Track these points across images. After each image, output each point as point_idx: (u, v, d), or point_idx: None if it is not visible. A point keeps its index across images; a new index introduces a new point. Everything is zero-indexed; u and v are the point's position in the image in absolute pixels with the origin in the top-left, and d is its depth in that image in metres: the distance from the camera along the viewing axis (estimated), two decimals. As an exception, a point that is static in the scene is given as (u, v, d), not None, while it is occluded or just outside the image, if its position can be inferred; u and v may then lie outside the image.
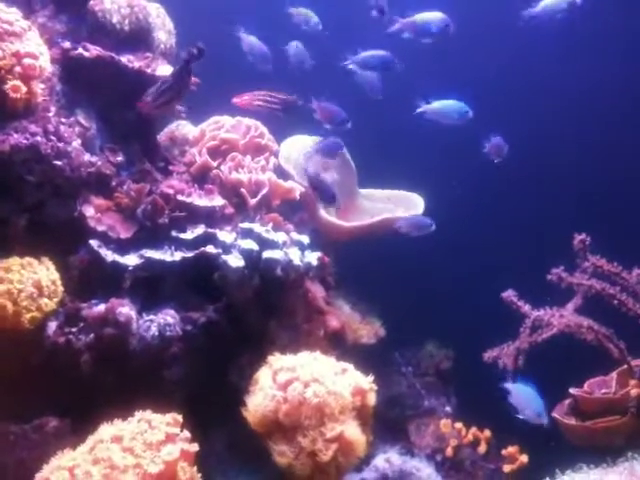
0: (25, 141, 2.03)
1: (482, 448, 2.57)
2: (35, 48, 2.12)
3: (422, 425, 2.73)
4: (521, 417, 2.12)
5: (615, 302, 2.00)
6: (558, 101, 3.40)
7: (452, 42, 2.67)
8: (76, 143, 2.18)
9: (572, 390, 2.20)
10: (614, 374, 2.17)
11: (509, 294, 2.14)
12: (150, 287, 2.22)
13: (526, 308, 2.08)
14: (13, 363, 2.06)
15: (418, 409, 2.84)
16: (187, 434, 1.74)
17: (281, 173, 2.65)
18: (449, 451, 2.56)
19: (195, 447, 1.73)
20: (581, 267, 2.07)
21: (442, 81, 2.82)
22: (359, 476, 1.96)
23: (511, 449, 2.52)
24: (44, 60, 2.12)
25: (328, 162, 2.83)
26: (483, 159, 2.75)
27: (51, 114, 2.14)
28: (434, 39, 2.60)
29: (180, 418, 1.78)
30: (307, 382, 1.92)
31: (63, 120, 2.20)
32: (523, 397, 2.14)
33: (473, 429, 2.60)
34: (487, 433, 2.59)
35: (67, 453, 1.69)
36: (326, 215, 2.66)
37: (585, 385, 2.20)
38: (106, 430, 1.72)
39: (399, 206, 2.89)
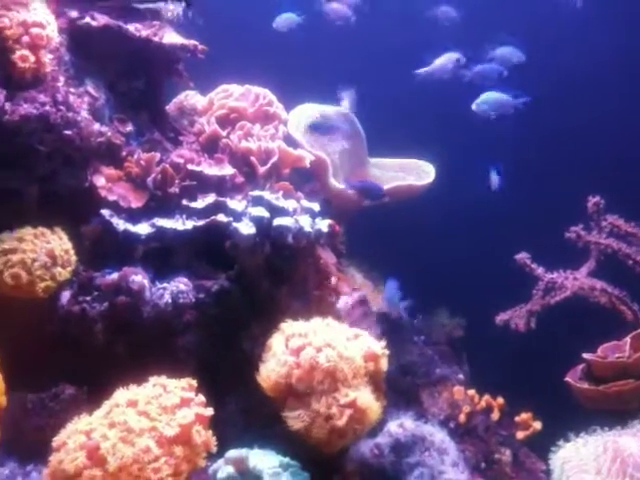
0: (34, 111, 2.03)
1: (495, 415, 2.57)
2: (42, 17, 2.11)
3: (435, 392, 2.74)
4: None
5: (630, 262, 1.98)
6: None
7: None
8: (85, 113, 2.17)
9: (585, 355, 2.19)
10: (628, 338, 2.15)
11: (522, 256, 2.13)
12: (162, 257, 2.23)
13: (539, 271, 2.07)
14: (28, 332, 2.08)
15: (430, 377, 2.83)
16: (202, 398, 1.75)
17: (291, 141, 2.64)
18: (462, 418, 2.56)
19: (210, 411, 1.75)
20: (597, 227, 2.05)
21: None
22: (372, 441, 1.96)
23: (524, 416, 2.52)
24: (51, 29, 2.12)
25: (337, 131, 2.82)
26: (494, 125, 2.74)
27: (60, 84, 2.14)
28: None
29: (194, 383, 1.79)
30: (319, 347, 1.92)
31: (72, 90, 2.20)
32: None
33: (486, 396, 2.60)
34: (500, 400, 2.59)
35: (83, 418, 1.71)
36: (337, 184, 2.65)
37: (599, 350, 2.20)
38: (121, 395, 1.73)
39: (410, 174, 2.88)
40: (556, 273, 2.05)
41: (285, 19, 2.99)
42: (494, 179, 2.74)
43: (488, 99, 2.76)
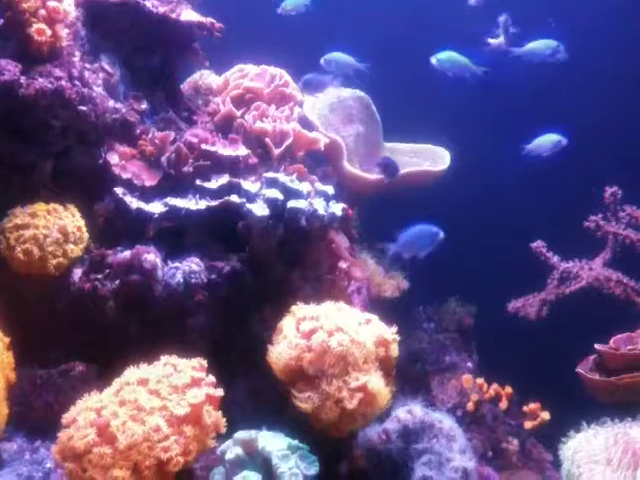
0: (50, 85, 2.02)
1: (503, 404, 2.57)
2: (59, -9, 2.09)
3: (443, 380, 2.74)
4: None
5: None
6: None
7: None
8: (100, 89, 2.16)
9: (597, 346, 2.17)
10: (641, 330, 2.14)
11: (538, 244, 2.12)
12: (174, 236, 2.21)
13: (554, 259, 2.05)
14: (39, 309, 2.08)
15: (439, 365, 2.83)
16: (212, 379, 1.75)
17: (305, 123, 2.61)
18: (470, 406, 2.56)
19: (220, 392, 1.74)
20: (614, 217, 2.03)
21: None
22: (381, 426, 1.95)
23: (532, 406, 2.52)
24: (68, 3, 2.10)
25: (353, 114, 2.80)
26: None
27: (76, 59, 2.12)
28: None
29: (205, 363, 1.79)
30: (331, 331, 1.91)
31: (87, 65, 2.19)
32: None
33: (494, 385, 2.60)
34: (508, 389, 2.59)
35: (94, 395, 1.71)
36: (351, 168, 2.63)
37: (611, 341, 2.18)
38: (132, 373, 1.73)
39: (425, 160, 2.85)
40: (571, 262, 2.03)
41: (293, 2, 2.95)
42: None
43: (450, 57, 2.79)
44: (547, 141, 2.77)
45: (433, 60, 2.76)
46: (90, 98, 2.11)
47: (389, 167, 2.67)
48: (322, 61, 2.83)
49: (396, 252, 2.57)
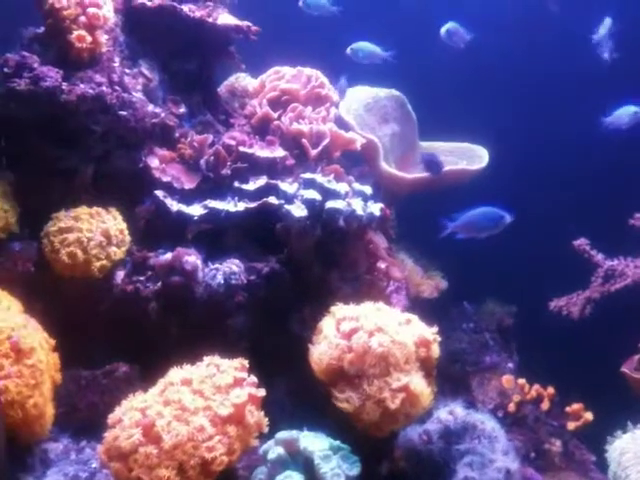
0: (91, 91, 2.05)
1: (545, 405, 2.53)
2: (99, -3, 2.12)
3: (484, 380, 2.71)
4: None
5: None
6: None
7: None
8: (140, 94, 2.20)
9: (643, 345, 2.14)
10: (688, 329, 2.10)
11: (581, 242, 2.08)
12: (213, 239, 2.23)
13: (598, 257, 2.01)
14: (83, 311, 2.12)
15: (479, 365, 2.80)
16: (254, 379, 1.76)
17: (341, 124, 2.61)
18: (511, 407, 2.53)
19: (262, 392, 1.75)
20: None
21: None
22: (421, 427, 1.94)
23: (575, 406, 2.48)
24: (107, 9, 2.13)
25: (388, 113, 2.79)
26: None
27: (115, 64, 2.16)
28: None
29: (247, 363, 1.80)
30: (371, 331, 1.90)
31: (127, 71, 2.23)
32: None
33: (536, 386, 2.56)
34: (550, 390, 2.55)
35: (138, 395, 1.73)
36: (387, 167, 2.61)
37: (657, 340, 2.15)
38: (176, 373, 1.74)
39: (462, 158, 2.82)
40: (616, 260, 1.99)
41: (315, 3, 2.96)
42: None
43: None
44: (625, 113, 2.71)
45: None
46: (130, 103, 2.14)
47: (433, 164, 2.65)
48: (349, 51, 2.85)
49: (453, 231, 2.53)
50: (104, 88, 2.08)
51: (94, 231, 2.03)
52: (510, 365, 2.79)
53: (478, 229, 2.50)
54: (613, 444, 1.87)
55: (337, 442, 1.78)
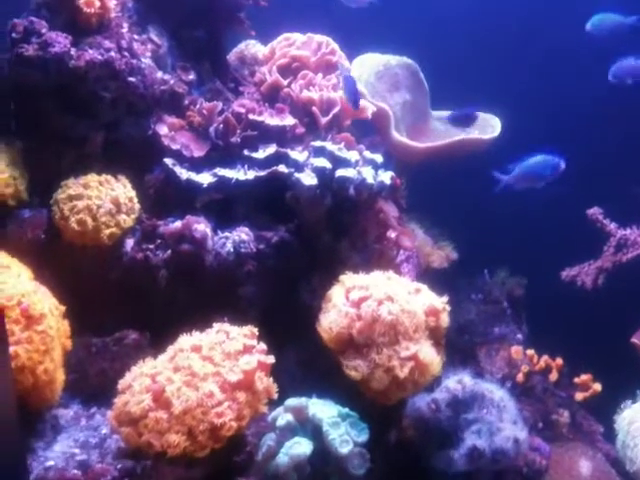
0: (100, 57, 2.04)
1: (554, 376, 2.53)
2: (107, -38, 2.10)
3: (492, 351, 2.70)
4: None
5: None
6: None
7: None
8: (149, 60, 2.17)
9: (654, 316, 2.13)
10: (700, 300, 2.09)
11: (594, 211, 2.06)
12: (223, 208, 2.22)
13: (611, 226, 1.99)
14: (93, 279, 2.12)
15: (488, 336, 2.80)
16: (263, 346, 1.76)
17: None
18: (520, 377, 2.53)
19: (271, 359, 1.75)
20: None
21: None
22: (430, 396, 1.95)
23: (584, 377, 2.47)
24: (116, -25, 2.10)
25: (400, 82, 2.75)
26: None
27: (124, 30, 2.14)
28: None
29: (256, 331, 1.80)
30: (380, 300, 1.90)
31: (135, 37, 2.20)
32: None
33: (545, 357, 2.56)
34: (559, 361, 2.55)
35: (148, 361, 1.74)
36: (399, 136, 2.58)
37: (668, 311, 2.13)
38: (185, 340, 1.75)
39: (474, 128, 2.79)
40: (629, 229, 1.97)
41: None
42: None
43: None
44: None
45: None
46: (139, 69, 2.12)
47: (464, 117, 2.61)
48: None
49: (508, 185, 2.48)
50: (113, 54, 2.06)
51: (103, 199, 2.03)
52: (519, 336, 2.78)
53: (533, 179, 2.43)
54: (622, 414, 1.87)
55: (346, 409, 1.79)
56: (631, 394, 2.11)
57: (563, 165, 2.39)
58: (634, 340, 2.13)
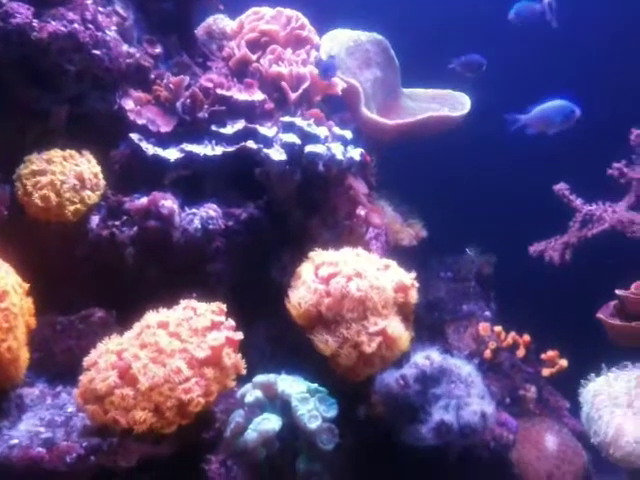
0: (63, 28, 1.98)
1: (521, 352, 2.56)
2: None
3: (461, 328, 2.72)
4: None
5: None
6: None
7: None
8: (114, 33, 2.12)
9: (618, 291, 2.15)
10: (663, 275, 2.12)
11: (561, 187, 2.07)
12: (191, 184, 2.20)
13: (577, 202, 2.01)
14: (58, 256, 2.09)
15: (457, 313, 2.82)
16: (232, 322, 1.76)
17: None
18: (487, 353, 2.55)
19: (240, 335, 1.75)
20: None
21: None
22: (398, 372, 1.96)
23: (551, 353, 2.51)
24: (79, -57, 2.04)
25: (370, 58, 2.73)
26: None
27: (89, 2, 2.08)
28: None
29: (224, 307, 1.79)
30: (349, 276, 1.91)
31: (100, 9, 2.14)
32: None
33: (512, 333, 2.59)
34: (526, 337, 2.58)
35: (114, 338, 1.72)
36: (369, 113, 2.57)
37: (632, 286, 2.16)
38: (152, 316, 1.74)
39: (444, 105, 2.79)
40: (595, 205, 1.99)
41: None
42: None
43: None
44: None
45: None
46: (104, 42, 2.07)
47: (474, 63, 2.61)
48: None
49: (524, 125, 2.44)
50: (76, 26, 2.01)
51: (67, 174, 1.98)
52: (487, 313, 2.80)
53: (549, 123, 2.41)
54: (587, 387, 1.90)
55: (315, 385, 1.79)
56: (597, 369, 2.14)
57: (578, 113, 2.37)
58: (600, 315, 2.15)
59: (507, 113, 2.45)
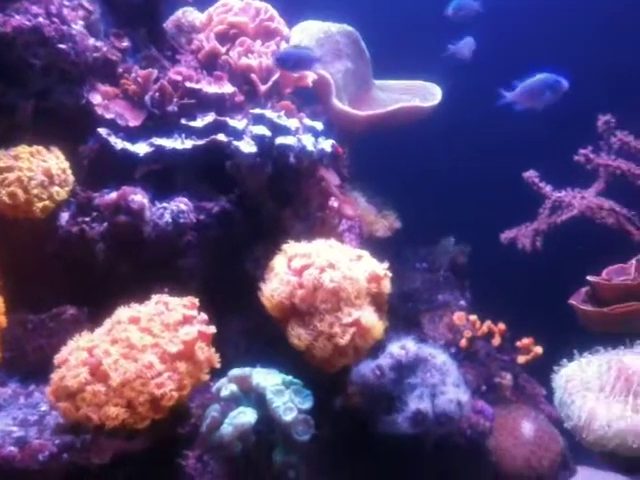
0: (28, 22, 1.96)
1: (496, 340, 2.57)
2: None
3: (436, 318, 2.73)
4: None
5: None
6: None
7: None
8: (80, 27, 2.09)
9: (590, 277, 2.17)
10: (634, 261, 2.13)
11: (530, 174, 2.08)
12: (162, 179, 2.17)
13: (547, 189, 2.02)
14: (28, 253, 2.06)
15: (432, 303, 2.83)
16: (204, 316, 1.75)
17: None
18: (463, 342, 2.57)
19: (212, 329, 1.74)
20: (607, 146, 1.99)
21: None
22: (374, 362, 1.96)
23: (525, 340, 2.52)
24: None
25: (341, 50, 2.73)
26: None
27: (53, -5, 2.05)
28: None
29: (197, 301, 1.78)
30: (322, 268, 1.90)
31: (66, 3, 2.11)
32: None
33: (487, 322, 2.60)
34: (501, 326, 2.59)
35: (85, 335, 1.70)
36: (340, 104, 2.57)
37: (603, 272, 2.18)
38: (123, 312, 1.72)
39: (416, 96, 2.79)
40: (564, 192, 2.00)
41: None
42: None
43: None
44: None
45: None
46: (70, 36, 2.04)
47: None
48: None
49: (512, 102, 2.39)
50: (41, 20, 1.98)
51: (35, 170, 1.95)
52: (462, 303, 2.81)
53: (537, 97, 2.34)
54: (560, 372, 1.92)
55: (290, 377, 1.79)
56: (570, 355, 2.16)
57: (566, 85, 2.32)
58: (572, 302, 2.17)
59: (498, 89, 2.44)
